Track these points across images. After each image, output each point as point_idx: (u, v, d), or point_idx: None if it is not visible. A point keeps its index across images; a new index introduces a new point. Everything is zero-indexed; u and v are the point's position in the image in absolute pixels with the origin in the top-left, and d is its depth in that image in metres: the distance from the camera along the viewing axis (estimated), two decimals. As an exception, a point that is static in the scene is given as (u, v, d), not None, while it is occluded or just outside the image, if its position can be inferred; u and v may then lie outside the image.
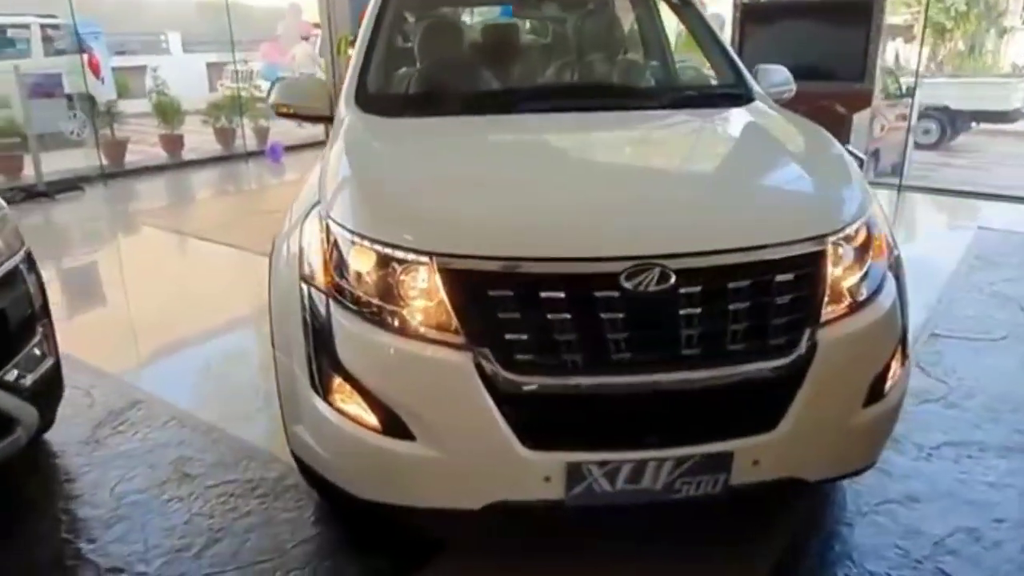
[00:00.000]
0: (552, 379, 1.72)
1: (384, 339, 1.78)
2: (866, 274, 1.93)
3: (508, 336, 1.71)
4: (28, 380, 2.33)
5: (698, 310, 1.74)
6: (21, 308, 2.34)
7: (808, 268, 1.83)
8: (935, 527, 2.32)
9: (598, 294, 1.71)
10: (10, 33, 11.20)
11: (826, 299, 1.83)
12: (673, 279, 1.73)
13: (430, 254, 1.76)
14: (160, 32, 17.65)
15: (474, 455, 1.76)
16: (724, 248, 1.77)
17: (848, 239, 1.91)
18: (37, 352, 2.41)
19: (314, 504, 2.46)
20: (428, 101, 2.81)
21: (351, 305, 1.84)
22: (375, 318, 1.80)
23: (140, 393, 3.30)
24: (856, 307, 1.88)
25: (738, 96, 2.75)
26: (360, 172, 2.13)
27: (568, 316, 1.71)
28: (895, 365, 1.99)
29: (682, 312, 1.74)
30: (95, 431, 2.99)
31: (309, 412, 1.95)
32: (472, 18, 4.14)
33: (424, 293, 1.77)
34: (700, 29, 3.10)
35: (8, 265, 2.31)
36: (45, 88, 7.31)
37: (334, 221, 1.93)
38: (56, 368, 2.50)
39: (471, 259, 1.74)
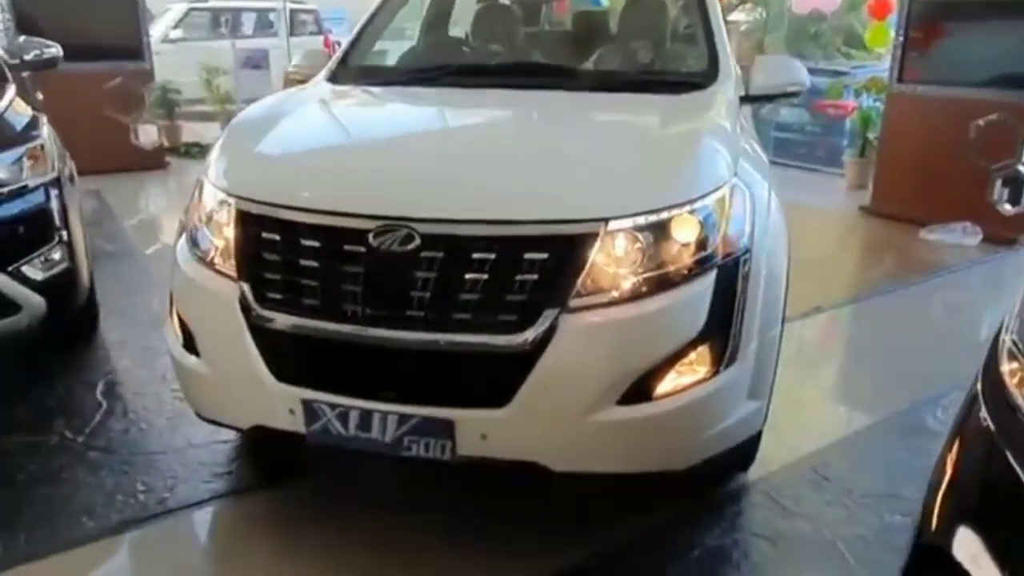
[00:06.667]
0: (294, 319, 1.86)
1: (190, 265, 2.05)
2: (656, 267, 1.81)
3: (266, 275, 1.89)
4: (40, 276, 2.93)
5: (434, 274, 1.78)
6: (39, 219, 2.94)
7: (565, 250, 1.77)
8: None
9: (347, 248, 1.82)
10: (271, 16, 13.34)
11: (582, 285, 1.76)
12: (418, 241, 1.78)
13: (235, 196, 1.99)
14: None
15: (235, 377, 1.96)
16: (471, 218, 1.78)
17: (638, 228, 1.80)
18: (55, 256, 3.01)
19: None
20: (385, 71, 3.01)
21: (188, 235, 2.12)
22: (194, 247, 2.07)
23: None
24: (622, 299, 1.78)
25: (692, 84, 2.61)
26: (231, 128, 2.37)
27: (316, 264, 1.84)
28: (687, 370, 1.84)
29: (419, 275, 1.78)
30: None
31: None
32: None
33: (225, 230, 1.99)
34: (694, 17, 2.96)
35: (33, 184, 2.92)
36: (253, 61, 8.56)
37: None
38: (69, 272, 3.09)
39: (252, 202, 1.94)
